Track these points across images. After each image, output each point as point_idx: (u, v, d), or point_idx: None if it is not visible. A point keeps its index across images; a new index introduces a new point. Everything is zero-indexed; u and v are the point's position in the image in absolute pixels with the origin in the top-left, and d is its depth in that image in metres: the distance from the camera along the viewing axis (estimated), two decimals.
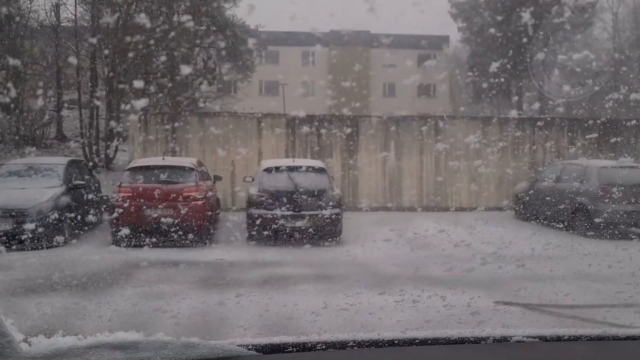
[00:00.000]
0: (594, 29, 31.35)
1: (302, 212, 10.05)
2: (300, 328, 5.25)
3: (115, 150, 18.27)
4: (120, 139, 17.92)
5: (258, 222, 10.08)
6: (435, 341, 1.65)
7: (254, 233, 10.16)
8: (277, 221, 10.01)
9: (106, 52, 17.07)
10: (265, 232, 10.06)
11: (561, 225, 11.32)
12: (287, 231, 10.02)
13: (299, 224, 10.06)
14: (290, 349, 1.56)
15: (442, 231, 9.76)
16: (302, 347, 1.58)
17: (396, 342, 1.63)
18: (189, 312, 5.83)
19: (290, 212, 10.03)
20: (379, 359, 1.60)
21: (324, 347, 1.59)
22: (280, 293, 6.58)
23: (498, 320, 5.52)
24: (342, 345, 1.61)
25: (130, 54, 16.55)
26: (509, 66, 23.71)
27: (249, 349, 1.52)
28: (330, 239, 10.07)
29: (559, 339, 1.69)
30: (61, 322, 5.54)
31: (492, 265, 7.92)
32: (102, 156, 18.19)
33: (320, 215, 10.08)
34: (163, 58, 17.63)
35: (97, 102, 18.15)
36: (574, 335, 1.70)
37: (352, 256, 8.81)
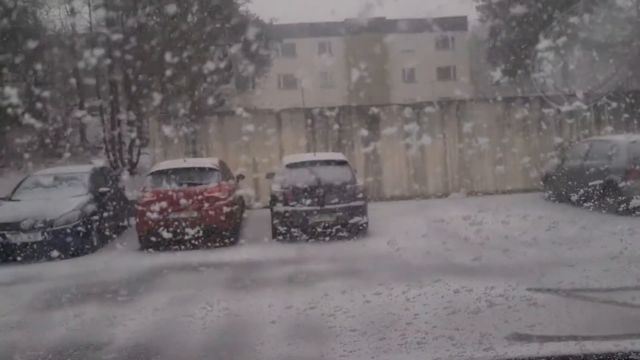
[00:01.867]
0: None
1: (327, 206, 9.97)
2: (328, 326, 5.19)
3: (138, 155, 18.42)
4: (142, 143, 18.06)
5: (283, 218, 10.04)
6: None
7: (279, 230, 10.12)
8: (301, 217, 9.96)
9: (122, 57, 17.17)
10: (291, 229, 10.02)
11: (592, 205, 11.04)
12: (313, 226, 9.96)
13: (323, 218, 9.99)
14: None
15: (469, 217, 9.57)
16: None
17: None
18: (217, 316, 5.81)
19: (314, 207, 9.96)
20: None
21: None
22: (307, 291, 6.52)
23: (533, 310, 5.38)
24: None
25: (146, 57, 16.61)
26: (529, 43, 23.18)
27: None
28: (355, 232, 9.98)
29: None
30: (91, 332, 5.58)
31: (521, 250, 7.74)
32: (126, 161, 18.36)
33: (344, 209, 9.99)
34: (178, 59, 17.66)
35: (113, 108, 18.28)
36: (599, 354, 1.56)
37: (378, 249, 8.70)
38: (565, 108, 15.17)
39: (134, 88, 17.42)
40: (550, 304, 5.62)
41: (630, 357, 1.57)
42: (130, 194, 12.49)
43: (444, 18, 37.06)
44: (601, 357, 1.57)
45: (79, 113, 20.67)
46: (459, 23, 38.82)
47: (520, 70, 23.11)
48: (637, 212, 10.15)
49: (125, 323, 5.73)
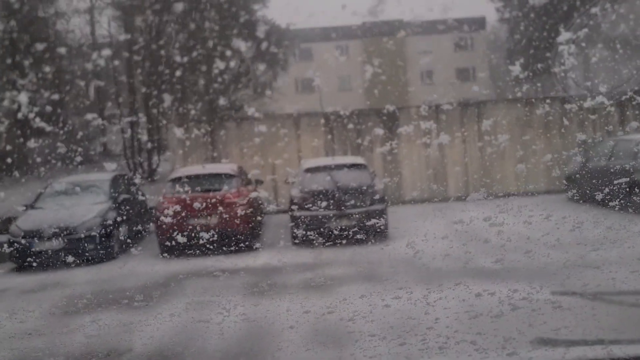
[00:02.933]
0: None
1: (346, 211, 9.90)
2: (348, 332, 5.12)
3: (158, 161, 18.56)
4: (161, 149, 18.19)
5: (302, 223, 10.00)
6: None
7: (298, 234, 10.08)
8: (320, 221, 9.91)
9: (142, 64, 17.34)
10: (310, 233, 9.96)
11: (617, 204, 10.79)
12: (332, 231, 9.90)
13: (343, 222, 9.92)
14: None
15: (490, 219, 9.42)
16: None
17: None
18: (234, 321, 5.78)
19: (333, 212, 9.90)
20: None
21: None
22: (326, 296, 6.47)
23: (558, 314, 5.25)
24: None
25: (164, 64, 16.75)
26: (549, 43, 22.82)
27: None
28: (375, 236, 9.89)
29: None
30: (111, 339, 5.59)
31: (545, 252, 7.58)
32: (146, 168, 18.51)
33: (364, 213, 9.91)
34: (197, 65, 17.77)
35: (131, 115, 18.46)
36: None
37: (397, 252, 8.61)
38: (588, 104, 14.90)
39: (153, 94, 17.57)
40: (575, 308, 5.48)
41: None
42: (149, 201, 12.58)
43: (462, 19, 36.79)
44: None
45: (98, 120, 20.92)
46: (477, 23, 38.50)
47: (540, 64, 22.77)
48: None
49: (143, 329, 5.73)
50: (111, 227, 10.11)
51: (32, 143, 16.79)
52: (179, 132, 14.88)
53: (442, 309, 5.47)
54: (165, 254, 9.79)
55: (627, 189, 10.79)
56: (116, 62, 19.85)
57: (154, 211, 10.64)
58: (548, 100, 15.26)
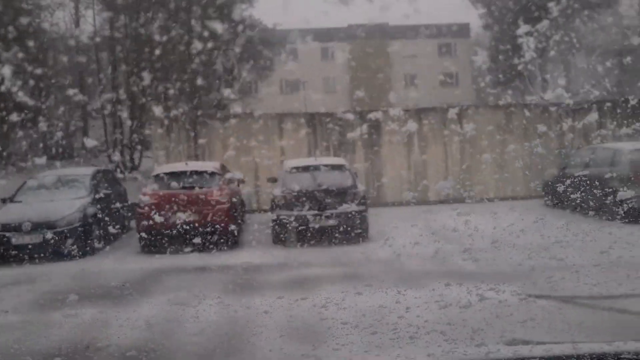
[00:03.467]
0: (620, 7, 30.48)
1: (327, 211, 9.98)
2: (327, 331, 5.19)
3: (140, 157, 18.47)
4: (144, 146, 18.11)
5: (283, 223, 10.05)
6: None
7: (279, 234, 10.14)
8: (302, 221, 9.97)
9: (126, 59, 17.24)
10: (291, 233, 10.03)
11: (592, 212, 11.03)
12: (313, 231, 9.97)
13: (324, 223, 10.00)
14: None
15: (469, 223, 9.58)
16: None
17: None
18: (214, 319, 5.82)
19: (315, 212, 9.97)
20: None
21: None
22: (306, 295, 6.53)
23: (528, 315, 5.39)
24: None
25: (149, 60, 16.68)
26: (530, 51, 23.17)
27: None
28: (356, 237, 9.99)
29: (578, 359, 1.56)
30: (88, 334, 5.59)
31: (522, 256, 7.74)
32: (128, 164, 18.40)
33: (345, 213, 10.00)
34: (182, 62, 17.73)
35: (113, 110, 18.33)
36: (593, 354, 1.56)
37: (378, 254, 8.71)
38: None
39: (136, 90, 17.48)
40: (547, 310, 5.62)
41: (622, 356, 1.57)
42: (131, 197, 12.53)
43: (446, 25, 37.11)
44: (594, 356, 1.58)
45: (81, 116, 20.75)
46: (461, 30, 38.87)
47: (519, 75, 23.15)
48: (638, 220, 10.15)
49: (122, 324, 5.75)
50: (91, 223, 10.07)
51: (12, 136, 16.58)
52: (162, 128, 14.84)
53: (420, 310, 5.56)
54: (146, 251, 9.78)
55: (603, 197, 11.03)
56: (101, 57, 19.73)
57: (135, 207, 10.62)
58: (528, 110, 15.48)
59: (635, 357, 1.56)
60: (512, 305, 5.63)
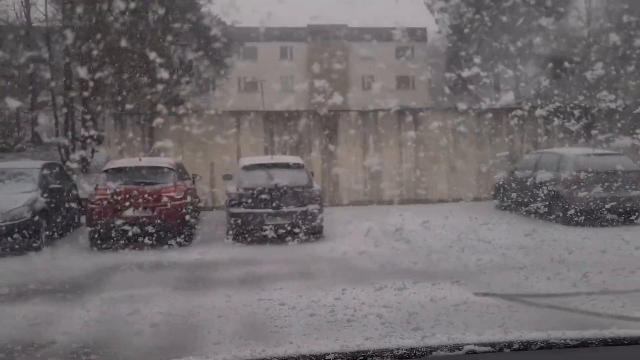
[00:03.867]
0: (569, 18, 31.60)
1: (282, 209, 10.01)
2: (279, 329, 5.22)
3: (92, 152, 18.04)
4: (97, 140, 17.69)
5: (238, 220, 10.02)
6: (381, 355, 1.57)
7: (233, 232, 10.10)
8: (256, 219, 9.96)
9: (78, 51, 16.80)
10: (245, 231, 10.01)
11: (539, 214, 11.43)
12: (267, 229, 9.97)
13: (278, 221, 10.02)
14: None
15: (422, 224, 9.78)
16: None
17: (339, 357, 1.55)
18: (166, 315, 5.77)
19: (269, 210, 9.98)
20: None
21: None
22: (259, 292, 6.54)
23: (477, 312, 5.55)
24: (319, 359, 1.54)
25: (103, 53, 16.30)
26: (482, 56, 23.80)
27: None
28: (310, 236, 10.04)
29: (509, 346, 1.64)
30: (33, 331, 5.45)
31: (470, 256, 7.95)
32: (79, 158, 17.94)
33: (300, 212, 10.04)
34: (137, 56, 17.40)
35: (71, 103, 17.86)
36: (524, 341, 1.65)
37: (332, 252, 8.79)
38: (515, 117, 15.67)
39: (90, 84, 17.05)
40: (494, 308, 5.80)
41: (550, 341, 1.67)
42: (82, 192, 12.24)
43: (404, 28, 37.63)
44: (524, 343, 1.66)
45: (31, 108, 20.11)
46: (418, 34, 39.54)
47: (471, 80, 23.73)
48: (580, 222, 10.58)
49: (68, 322, 5.63)
50: (39, 217, 9.78)
51: None
52: (116, 123, 14.53)
53: (371, 307, 5.64)
54: (96, 246, 9.58)
55: (549, 200, 11.45)
56: (52, 47, 19.16)
57: (86, 202, 10.38)
58: (480, 114, 15.90)
59: (562, 342, 1.66)
60: (459, 300, 5.78)
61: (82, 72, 17.04)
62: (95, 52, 16.63)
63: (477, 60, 22.96)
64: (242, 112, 15.65)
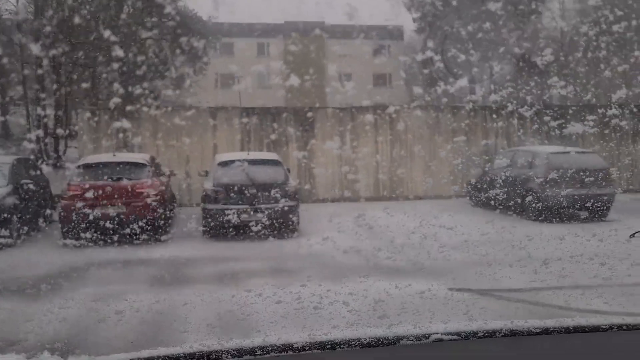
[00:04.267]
0: (543, 18, 32.06)
1: (258, 206, 9.98)
2: (254, 325, 5.22)
3: (65, 148, 17.74)
4: (70, 135, 17.41)
5: (214, 216, 9.97)
6: (349, 344, 1.60)
7: (209, 228, 10.04)
8: (232, 215, 9.92)
9: (52, 45, 16.48)
10: (221, 227, 9.96)
11: (513, 211, 11.60)
12: (244, 225, 9.94)
13: (255, 217, 9.99)
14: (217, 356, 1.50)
15: (398, 220, 9.86)
16: (207, 358, 1.51)
17: (307, 347, 1.58)
18: (140, 313, 5.71)
19: (246, 206, 9.95)
20: None
21: (229, 356, 1.53)
22: (234, 289, 6.52)
23: (450, 307, 5.61)
24: (250, 353, 1.55)
25: (77, 47, 16.03)
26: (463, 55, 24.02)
27: None
28: (287, 232, 10.04)
29: (474, 335, 1.69)
30: (5, 329, 5.35)
31: (444, 253, 8.04)
32: (52, 154, 17.64)
33: (276, 208, 10.03)
34: (112, 51, 17.13)
35: (44, 97, 17.52)
36: (488, 330, 1.70)
37: (308, 249, 8.81)
38: (490, 115, 15.89)
39: (63, 78, 16.75)
40: (466, 302, 5.87)
41: (515, 330, 1.72)
42: (54, 187, 12.04)
43: (381, 26, 37.83)
44: (488, 332, 1.71)
45: (1, 102, 19.69)
46: (395, 32, 39.74)
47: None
48: (553, 219, 10.78)
49: (40, 319, 5.54)
50: (9, 213, 9.60)
51: None
52: (90, 118, 14.31)
53: (345, 303, 5.67)
54: (69, 243, 9.43)
55: (522, 197, 11.63)
56: (24, 41, 18.76)
57: (58, 198, 10.21)
58: (457, 112, 16.07)
59: (526, 330, 1.71)
60: (434, 296, 5.85)
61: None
62: (66, 46, 16.34)
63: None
64: (218, 108, 15.56)
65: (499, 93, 16.02)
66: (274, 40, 39.83)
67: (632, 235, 4.81)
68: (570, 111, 15.66)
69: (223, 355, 1.54)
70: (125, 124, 14.24)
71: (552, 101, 15.82)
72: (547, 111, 15.76)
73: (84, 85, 17.59)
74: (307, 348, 1.58)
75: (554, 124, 14.75)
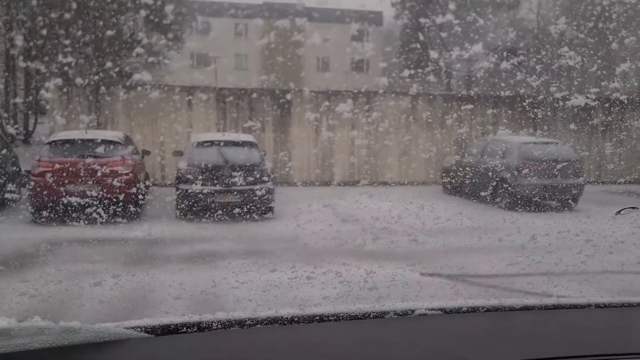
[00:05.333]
0: (521, 10, 32.35)
1: (233, 187, 9.93)
2: (226, 306, 5.22)
3: (35, 123, 17.36)
4: (40, 111, 17.03)
5: (187, 197, 9.89)
6: (337, 317, 1.65)
7: (183, 209, 9.97)
8: (207, 197, 9.86)
9: (22, 18, 16.04)
10: (195, 208, 9.89)
11: (485, 199, 11.78)
12: (218, 207, 9.89)
13: (229, 199, 9.95)
14: (185, 330, 1.52)
15: (372, 205, 9.93)
16: (198, 328, 1.53)
17: (296, 319, 1.62)
18: (112, 291, 5.66)
19: (220, 187, 9.89)
20: (278, 336, 1.58)
21: (220, 326, 1.56)
22: (207, 269, 6.51)
23: (424, 291, 5.70)
24: (239, 324, 1.58)
25: (49, 19, 15.62)
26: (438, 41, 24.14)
27: (139, 331, 1.46)
28: (261, 214, 10.02)
29: (458, 310, 1.74)
30: None
31: (418, 238, 8.14)
32: (21, 129, 17.25)
33: (251, 191, 10.00)
34: (86, 25, 16.75)
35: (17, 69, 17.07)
36: (472, 306, 1.75)
37: (282, 231, 8.82)
38: (466, 104, 16.04)
39: (32, 52, 16.33)
40: (438, 286, 5.98)
41: (497, 306, 1.77)
42: (23, 164, 11.78)
43: (360, 11, 37.73)
44: (462, 309, 1.76)
45: None
46: (374, 17, 39.67)
47: (427, 68, 24.09)
48: (523, 208, 10.98)
49: (9, 297, 5.45)
50: None
51: None
52: (61, 94, 14.00)
53: (318, 285, 5.71)
54: (39, 221, 9.27)
55: (494, 186, 11.81)
56: None
57: (27, 175, 10.00)
58: (433, 100, 16.18)
59: (507, 307, 1.77)
60: (406, 280, 5.93)
61: (24, 39, 16.29)
62: (37, 18, 15.92)
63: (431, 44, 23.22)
64: (193, 87, 15.37)
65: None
66: (252, 22, 39.42)
67: (618, 212, 4.95)
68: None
69: (213, 324, 1.56)
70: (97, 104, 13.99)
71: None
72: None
73: (56, 63, 17.18)
74: (296, 320, 1.61)
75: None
